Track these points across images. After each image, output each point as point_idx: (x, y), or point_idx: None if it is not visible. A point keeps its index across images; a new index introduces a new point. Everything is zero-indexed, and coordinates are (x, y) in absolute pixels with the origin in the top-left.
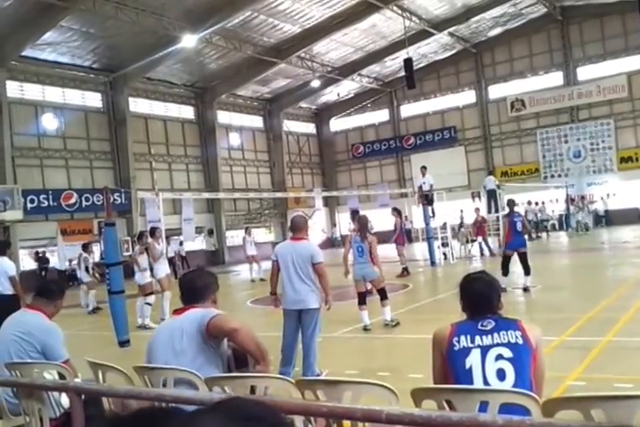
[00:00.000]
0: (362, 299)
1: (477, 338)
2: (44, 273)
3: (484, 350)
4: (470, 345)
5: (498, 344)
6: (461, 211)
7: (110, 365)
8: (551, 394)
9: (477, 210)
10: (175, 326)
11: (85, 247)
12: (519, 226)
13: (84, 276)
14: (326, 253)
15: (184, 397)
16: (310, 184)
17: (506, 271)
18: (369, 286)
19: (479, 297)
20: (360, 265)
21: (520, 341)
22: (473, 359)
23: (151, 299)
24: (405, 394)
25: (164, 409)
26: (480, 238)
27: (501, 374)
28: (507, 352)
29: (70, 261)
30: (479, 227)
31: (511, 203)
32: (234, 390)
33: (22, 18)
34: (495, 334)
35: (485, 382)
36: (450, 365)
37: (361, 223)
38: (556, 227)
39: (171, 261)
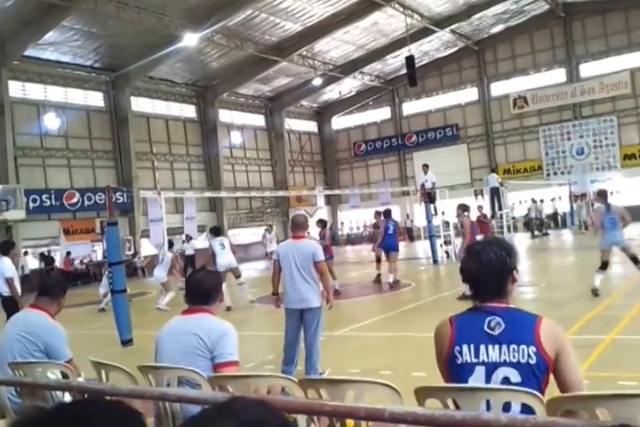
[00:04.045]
0: (604, 266)
1: (482, 349)
2: (49, 273)
3: (490, 369)
4: (474, 360)
5: (505, 363)
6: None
7: (113, 364)
8: (555, 393)
9: (480, 208)
10: (186, 328)
11: None
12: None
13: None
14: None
15: (188, 396)
16: (312, 183)
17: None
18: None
19: (481, 274)
20: (613, 232)
21: (533, 360)
22: (477, 380)
23: None
24: (409, 393)
25: (87, 403)
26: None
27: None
28: (515, 376)
29: (73, 260)
30: (482, 224)
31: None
32: (237, 389)
33: (24, 18)
34: (504, 347)
35: (488, 407)
36: (452, 378)
37: (601, 195)
38: (559, 224)
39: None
